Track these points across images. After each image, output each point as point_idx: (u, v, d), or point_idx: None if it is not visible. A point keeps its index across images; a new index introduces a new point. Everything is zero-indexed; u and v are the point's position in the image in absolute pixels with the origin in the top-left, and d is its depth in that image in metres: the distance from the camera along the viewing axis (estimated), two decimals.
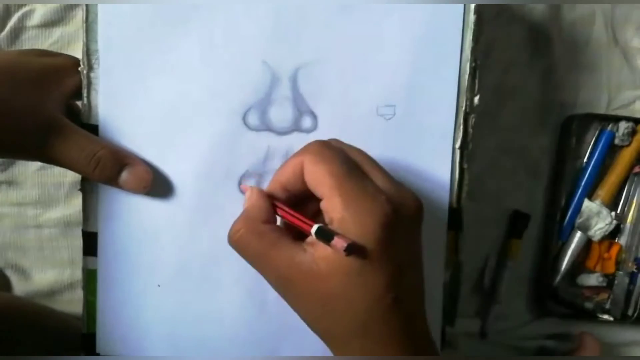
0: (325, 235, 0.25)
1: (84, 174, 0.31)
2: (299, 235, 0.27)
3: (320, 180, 0.26)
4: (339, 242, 0.24)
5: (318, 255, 0.25)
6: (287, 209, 0.28)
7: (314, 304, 0.26)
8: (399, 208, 0.26)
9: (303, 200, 0.29)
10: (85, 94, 0.31)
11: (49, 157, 0.29)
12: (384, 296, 0.25)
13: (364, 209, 0.25)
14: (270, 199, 0.28)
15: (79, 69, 0.31)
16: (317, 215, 0.28)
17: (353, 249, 0.24)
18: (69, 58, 0.32)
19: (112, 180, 0.30)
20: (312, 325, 0.27)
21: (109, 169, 0.30)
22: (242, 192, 0.32)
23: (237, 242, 0.27)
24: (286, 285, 0.27)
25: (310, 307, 0.26)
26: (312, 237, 0.26)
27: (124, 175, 0.30)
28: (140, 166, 0.31)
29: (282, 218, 0.28)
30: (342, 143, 0.29)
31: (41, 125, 0.28)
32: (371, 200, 0.25)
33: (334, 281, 0.25)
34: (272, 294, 0.31)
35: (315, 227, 0.26)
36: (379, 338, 0.25)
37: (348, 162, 0.27)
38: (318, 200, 0.27)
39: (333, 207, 0.25)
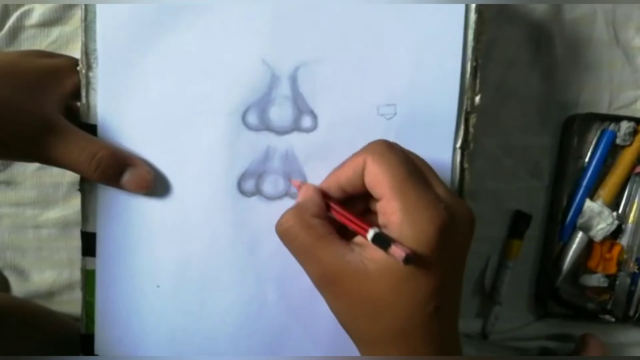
0: (383, 241, 0.25)
1: (85, 175, 0.30)
2: (344, 233, 0.27)
3: (381, 180, 0.26)
4: (397, 251, 0.24)
5: (367, 256, 0.25)
6: (341, 210, 0.28)
7: (355, 304, 0.26)
8: (455, 218, 0.26)
9: (352, 199, 0.29)
10: (83, 94, 0.31)
11: (48, 159, 0.29)
12: (427, 304, 0.25)
13: (422, 215, 0.25)
14: (324, 196, 0.28)
15: (78, 68, 0.31)
16: (364, 214, 0.28)
17: (411, 259, 0.24)
18: (68, 59, 0.32)
19: (114, 181, 0.30)
20: (348, 325, 0.27)
21: (111, 170, 0.30)
22: (295, 188, 0.32)
23: (285, 232, 0.28)
24: (329, 281, 0.27)
25: (350, 307, 0.26)
26: (361, 238, 0.26)
27: (126, 177, 0.30)
28: (142, 167, 0.31)
29: (335, 218, 0.28)
30: (403, 148, 0.29)
31: (40, 126, 0.28)
32: (431, 207, 0.25)
33: (381, 284, 0.25)
34: (272, 295, 0.31)
35: (371, 232, 0.26)
36: (415, 344, 0.25)
37: (410, 166, 0.27)
38: (366, 200, 0.27)
39: (392, 209, 0.25)
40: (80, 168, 0.29)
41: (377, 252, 0.25)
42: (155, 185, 0.32)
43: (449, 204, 0.26)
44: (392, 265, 0.25)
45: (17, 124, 0.28)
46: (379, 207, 0.26)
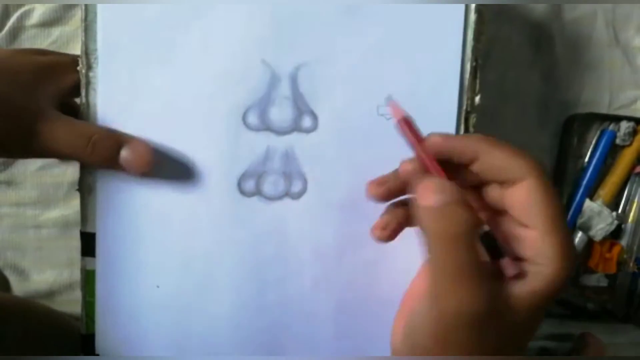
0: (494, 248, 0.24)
1: (82, 159, 0.30)
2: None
3: (544, 210, 0.23)
4: (509, 266, 0.23)
5: (519, 291, 0.23)
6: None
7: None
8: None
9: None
10: (83, 94, 0.31)
11: (44, 149, 0.28)
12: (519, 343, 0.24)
13: (573, 258, 0.23)
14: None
15: (78, 68, 0.31)
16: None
17: (518, 276, 0.23)
18: (65, 55, 0.32)
19: (112, 161, 0.30)
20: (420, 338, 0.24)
21: (107, 149, 0.29)
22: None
23: (455, 244, 0.22)
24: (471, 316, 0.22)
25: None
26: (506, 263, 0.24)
27: (124, 154, 0.29)
28: (139, 144, 0.30)
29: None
30: None
31: (33, 118, 0.28)
32: (572, 249, 0.24)
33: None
34: (272, 295, 0.31)
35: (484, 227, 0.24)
36: None
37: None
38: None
39: (551, 242, 0.23)
40: (77, 153, 0.29)
41: (533, 284, 0.23)
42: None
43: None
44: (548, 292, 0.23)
45: (10, 118, 0.27)
46: (532, 237, 0.23)
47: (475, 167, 0.25)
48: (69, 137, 0.28)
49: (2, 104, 0.27)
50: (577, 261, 0.23)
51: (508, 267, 0.23)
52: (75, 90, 0.31)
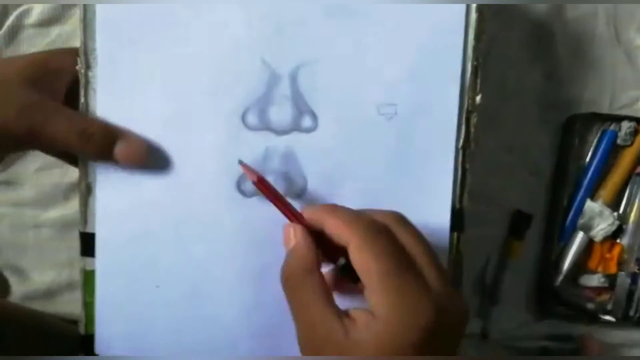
0: (352, 275, 0.26)
1: (77, 150, 0.30)
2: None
3: (365, 270, 0.26)
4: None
5: (352, 334, 0.25)
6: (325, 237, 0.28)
7: None
8: (443, 314, 0.25)
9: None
10: (82, 93, 0.31)
11: (39, 139, 0.28)
12: None
13: (407, 312, 0.24)
14: (313, 238, 0.28)
15: (77, 67, 0.31)
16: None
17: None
18: (62, 49, 0.32)
19: (107, 154, 0.30)
20: None
21: (102, 142, 0.30)
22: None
23: (290, 284, 0.28)
24: (309, 340, 0.26)
25: None
26: (354, 310, 0.26)
27: (119, 148, 0.30)
28: (134, 138, 0.31)
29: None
30: (398, 226, 0.28)
31: (27, 106, 0.28)
32: (416, 303, 0.25)
33: None
34: (272, 295, 0.31)
35: (342, 260, 0.28)
36: None
37: (397, 255, 0.26)
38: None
39: (376, 303, 0.25)
40: (72, 144, 0.29)
41: (361, 334, 0.25)
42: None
43: (439, 296, 0.25)
44: (375, 351, 0.24)
45: (6, 109, 0.27)
46: (366, 294, 0.26)
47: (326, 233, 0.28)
48: (64, 129, 0.29)
49: None
50: (421, 318, 0.25)
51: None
52: (76, 83, 0.31)
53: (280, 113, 0.32)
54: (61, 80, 0.30)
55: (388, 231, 0.27)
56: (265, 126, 0.32)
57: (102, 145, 0.30)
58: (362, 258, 0.26)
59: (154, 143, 0.31)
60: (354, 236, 0.26)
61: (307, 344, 0.27)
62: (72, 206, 0.41)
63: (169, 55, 0.31)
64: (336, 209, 0.28)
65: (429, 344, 0.24)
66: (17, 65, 0.30)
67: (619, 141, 0.44)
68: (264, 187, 0.30)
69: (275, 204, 0.30)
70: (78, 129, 0.29)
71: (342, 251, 0.27)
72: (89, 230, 0.32)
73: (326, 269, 0.29)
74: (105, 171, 0.31)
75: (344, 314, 0.26)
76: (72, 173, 0.40)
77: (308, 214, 0.29)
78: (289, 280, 0.28)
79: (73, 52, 0.31)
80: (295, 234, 0.28)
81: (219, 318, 0.33)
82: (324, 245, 0.28)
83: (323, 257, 0.28)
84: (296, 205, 0.32)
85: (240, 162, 0.31)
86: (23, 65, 0.30)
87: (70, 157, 0.33)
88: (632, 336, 0.48)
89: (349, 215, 0.27)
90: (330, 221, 0.27)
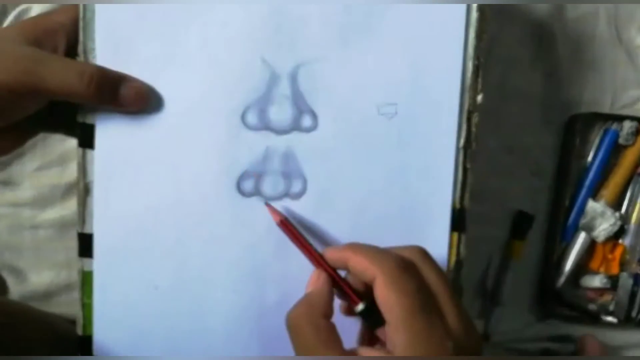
0: (372, 318, 0.27)
1: (81, 95, 0.29)
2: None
3: (390, 307, 0.26)
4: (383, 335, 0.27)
5: None
6: (344, 282, 0.29)
7: None
8: (462, 352, 0.25)
9: None
10: None
11: (40, 87, 0.28)
12: None
13: (428, 352, 0.25)
14: (332, 285, 0.29)
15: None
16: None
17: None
18: (60, 7, 0.31)
19: (111, 97, 0.30)
20: None
21: (105, 84, 0.29)
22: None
23: (293, 326, 0.27)
24: None
25: None
26: (364, 349, 0.26)
27: (123, 90, 0.30)
28: (136, 80, 0.30)
29: (335, 286, 0.29)
30: (423, 263, 0.28)
31: (24, 57, 0.28)
32: (438, 345, 0.25)
33: None
34: (272, 295, 0.30)
35: (361, 305, 0.28)
36: None
37: (423, 293, 0.26)
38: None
39: (398, 340, 0.25)
40: (74, 89, 0.28)
41: None
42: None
43: (459, 337, 0.26)
44: None
45: (4, 63, 0.27)
46: (387, 331, 0.26)
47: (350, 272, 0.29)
48: (62, 73, 0.28)
49: None
50: (441, 354, 0.25)
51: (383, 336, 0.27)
52: (76, 38, 0.30)
53: (280, 113, 0.32)
54: (60, 36, 0.30)
55: (414, 267, 0.27)
56: (265, 126, 0.32)
57: (105, 87, 0.29)
58: (388, 294, 0.26)
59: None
60: (379, 272, 0.26)
61: None
62: (70, 207, 0.40)
63: (169, 55, 0.31)
64: (361, 247, 0.28)
65: None
66: (16, 27, 0.29)
67: (620, 141, 0.44)
68: (287, 229, 0.31)
69: (299, 247, 0.30)
70: (77, 71, 0.28)
71: (364, 296, 0.28)
72: (87, 230, 0.32)
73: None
74: (104, 171, 0.31)
75: (353, 353, 0.26)
76: (71, 173, 0.40)
77: (331, 253, 0.29)
78: (293, 322, 0.27)
79: (71, 8, 0.31)
80: (318, 280, 0.29)
81: (218, 318, 0.33)
82: (344, 295, 0.29)
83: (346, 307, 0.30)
84: (297, 205, 0.32)
85: (267, 204, 0.32)
86: (21, 26, 0.29)
87: (70, 123, 0.32)
88: (634, 337, 0.48)
89: (373, 252, 0.28)
90: (355, 258, 0.28)
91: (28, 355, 0.33)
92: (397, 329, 0.25)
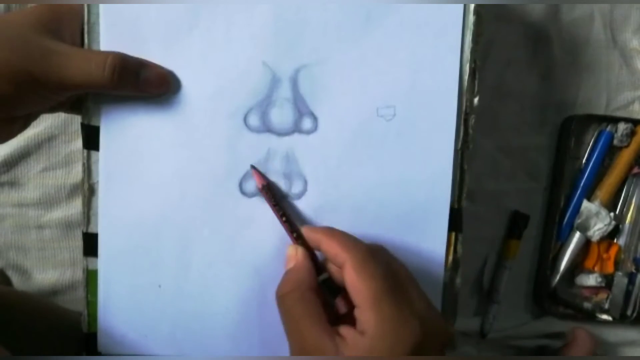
0: (331, 288, 0.29)
1: (101, 84, 0.29)
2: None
3: (359, 290, 0.27)
4: (340, 304, 0.29)
5: (342, 350, 0.26)
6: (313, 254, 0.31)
7: None
8: (429, 336, 0.26)
9: None
10: (87, 96, 0.31)
11: (62, 81, 0.28)
12: None
13: (396, 330, 0.26)
14: (312, 258, 0.30)
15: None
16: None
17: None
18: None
19: (132, 83, 0.30)
20: None
21: (127, 71, 0.29)
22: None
23: (282, 299, 0.29)
24: (302, 357, 0.27)
25: None
26: (345, 329, 0.27)
27: (144, 75, 0.30)
28: (155, 65, 0.31)
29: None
30: (388, 253, 0.29)
31: (44, 53, 0.27)
32: (404, 323, 0.26)
33: None
34: (273, 295, 0.31)
35: (322, 276, 0.30)
36: None
37: (390, 277, 0.27)
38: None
39: (367, 321, 0.26)
40: (96, 79, 0.28)
41: (352, 350, 0.26)
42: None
43: (425, 319, 0.27)
44: None
45: (25, 54, 0.27)
46: (356, 314, 0.27)
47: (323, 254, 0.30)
48: (83, 65, 0.28)
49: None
50: (409, 337, 0.26)
51: (340, 305, 0.29)
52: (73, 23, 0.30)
53: (282, 115, 0.32)
54: (73, 23, 0.30)
55: (382, 253, 0.29)
56: (266, 128, 0.32)
57: (126, 75, 0.29)
58: (357, 279, 0.27)
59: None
60: (348, 257, 0.27)
61: (300, 354, 0.27)
62: (75, 206, 0.41)
63: (172, 57, 0.31)
64: (334, 232, 0.30)
65: None
66: (33, 13, 0.29)
67: (615, 142, 0.44)
68: (267, 196, 0.31)
69: (277, 217, 0.31)
70: (97, 62, 0.28)
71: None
72: (91, 230, 0.32)
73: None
74: (108, 172, 0.32)
75: (335, 332, 0.27)
76: (76, 174, 0.40)
77: (308, 232, 0.31)
78: (283, 300, 0.29)
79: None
80: (296, 255, 0.30)
81: (220, 317, 0.33)
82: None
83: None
84: (298, 205, 0.33)
85: (252, 166, 0.32)
86: (38, 12, 0.29)
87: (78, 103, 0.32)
88: (629, 335, 0.48)
89: (345, 238, 0.29)
90: (327, 242, 0.29)
91: (38, 341, 0.33)
92: (366, 310, 0.26)
